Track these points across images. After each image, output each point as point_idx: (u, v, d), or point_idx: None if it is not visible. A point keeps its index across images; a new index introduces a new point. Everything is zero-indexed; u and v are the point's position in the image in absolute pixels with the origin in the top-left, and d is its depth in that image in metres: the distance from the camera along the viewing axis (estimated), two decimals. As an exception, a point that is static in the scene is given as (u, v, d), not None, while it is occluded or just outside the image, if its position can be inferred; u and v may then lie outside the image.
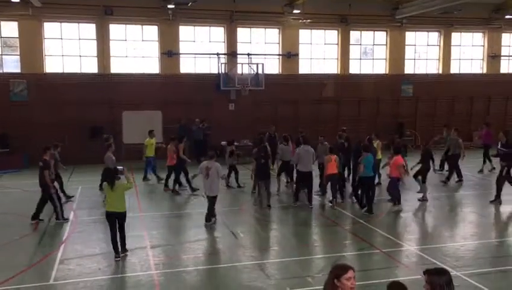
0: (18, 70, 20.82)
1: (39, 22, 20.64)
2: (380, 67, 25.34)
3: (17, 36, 20.71)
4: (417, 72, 25.76)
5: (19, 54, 20.84)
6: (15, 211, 13.17)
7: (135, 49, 22.18)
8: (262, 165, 13.30)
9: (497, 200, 13.46)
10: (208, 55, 22.77)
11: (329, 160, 13.16)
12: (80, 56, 21.49)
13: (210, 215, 11.79)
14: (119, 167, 9.96)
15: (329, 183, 13.52)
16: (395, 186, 12.98)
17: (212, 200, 11.71)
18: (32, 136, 20.12)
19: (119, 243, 9.56)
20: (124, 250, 9.69)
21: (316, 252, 10.19)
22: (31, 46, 20.68)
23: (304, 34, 23.95)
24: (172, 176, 15.45)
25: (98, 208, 13.29)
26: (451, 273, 4.22)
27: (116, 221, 9.54)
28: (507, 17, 25.37)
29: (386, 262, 9.33)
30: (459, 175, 16.26)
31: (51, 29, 21.14)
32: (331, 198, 13.61)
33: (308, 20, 23.15)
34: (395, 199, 13.05)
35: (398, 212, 12.80)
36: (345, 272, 4.14)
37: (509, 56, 27.13)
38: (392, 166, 12.99)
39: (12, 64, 20.96)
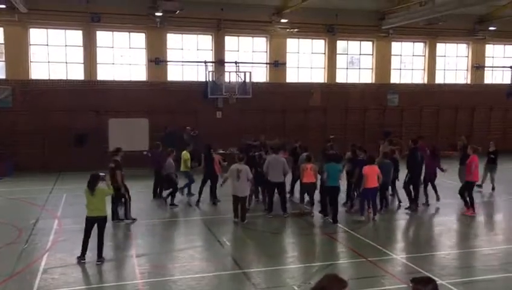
0: (3, 76, 20.60)
1: (25, 28, 20.48)
2: (367, 76, 25.59)
3: (3, 42, 20.52)
4: (403, 82, 26.06)
5: (4, 60, 20.64)
6: (-2, 219, 12.95)
7: (122, 57, 22.12)
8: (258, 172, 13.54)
9: (413, 206, 13.88)
10: (196, 63, 22.79)
11: (304, 169, 13.06)
12: (66, 63, 21.36)
13: (245, 215, 12.56)
14: (101, 173, 9.95)
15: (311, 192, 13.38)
16: (362, 197, 13.03)
17: (243, 200, 12.55)
18: (17, 143, 19.94)
19: (89, 248, 9.64)
20: (100, 256, 9.64)
21: (303, 261, 10.16)
22: (16, 52, 20.50)
23: (292, 43, 24.12)
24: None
25: (83, 216, 13.13)
26: (437, 282, 4.24)
27: (95, 226, 9.61)
28: (491, 28, 25.85)
29: (373, 271, 9.35)
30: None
31: (37, 35, 20.99)
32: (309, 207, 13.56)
33: (296, 30, 23.31)
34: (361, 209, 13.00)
35: (384, 221, 12.87)
36: (344, 287, 3.86)
37: (492, 67, 27.60)
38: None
39: (-3, 70, 20.76)
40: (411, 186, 14.06)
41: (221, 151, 20.05)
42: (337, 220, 12.55)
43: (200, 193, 14.62)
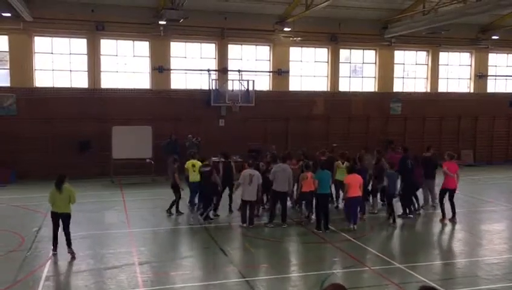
0: (7, 84, 20.70)
1: (30, 36, 20.59)
2: (369, 85, 25.61)
3: (8, 50, 20.61)
4: (406, 90, 26.06)
5: (8, 67, 20.75)
6: (1, 226, 12.95)
7: (126, 65, 22.19)
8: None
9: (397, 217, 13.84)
10: (199, 71, 22.86)
11: (304, 177, 13.01)
12: (71, 71, 21.42)
13: (252, 219, 13.14)
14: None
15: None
16: (346, 206, 13.08)
17: (252, 204, 13.08)
18: (21, 151, 19.98)
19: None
20: (70, 247, 10.45)
21: (305, 270, 10.14)
22: (21, 60, 20.59)
23: (295, 52, 24.18)
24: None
25: (86, 224, 13.19)
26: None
27: (59, 220, 10.47)
28: (493, 37, 25.89)
29: (376, 280, 9.32)
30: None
31: (41, 43, 21.08)
32: (307, 214, 13.73)
33: (299, 38, 23.39)
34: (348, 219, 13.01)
35: (387, 230, 12.83)
36: None
37: (495, 76, 27.59)
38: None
39: (1, 78, 20.81)
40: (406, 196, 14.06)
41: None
42: (328, 227, 12.65)
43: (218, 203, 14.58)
